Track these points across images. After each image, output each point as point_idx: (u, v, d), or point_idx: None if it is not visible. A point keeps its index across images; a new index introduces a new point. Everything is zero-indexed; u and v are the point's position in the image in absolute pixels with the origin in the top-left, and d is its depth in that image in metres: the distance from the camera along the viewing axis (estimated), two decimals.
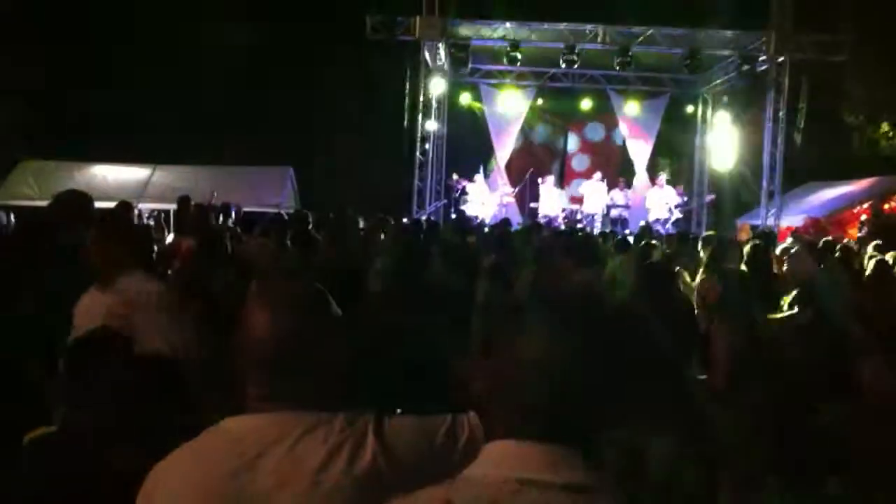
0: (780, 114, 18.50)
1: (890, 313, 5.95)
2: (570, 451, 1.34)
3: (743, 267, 6.91)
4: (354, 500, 1.67)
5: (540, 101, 22.32)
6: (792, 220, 19.08)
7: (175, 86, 21.38)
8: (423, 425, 1.84)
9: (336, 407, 1.78)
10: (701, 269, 7.40)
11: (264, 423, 1.74)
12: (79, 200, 4.82)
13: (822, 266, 8.66)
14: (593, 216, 19.63)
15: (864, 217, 18.80)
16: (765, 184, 18.87)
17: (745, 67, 17.98)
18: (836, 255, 9.38)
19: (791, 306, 5.96)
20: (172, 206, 12.94)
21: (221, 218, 10.47)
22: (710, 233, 11.63)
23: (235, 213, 11.14)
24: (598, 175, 20.12)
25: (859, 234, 18.08)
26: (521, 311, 1.45)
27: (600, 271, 7.15)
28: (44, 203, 12.96)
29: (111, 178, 18.57)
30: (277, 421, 1.73)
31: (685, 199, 20.02)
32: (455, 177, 20.04)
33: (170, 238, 11.05)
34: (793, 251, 8.38)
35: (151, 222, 13.81)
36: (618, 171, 21.80)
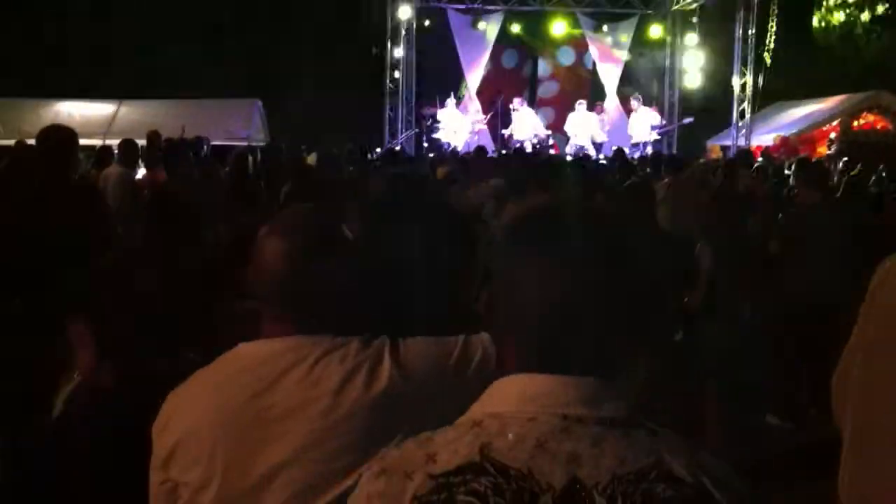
0: (750, 34, 18.46)
1: None
2: (604, 384, 1.22)
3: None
4: (373, 420, 1.69)
5: (511, 27, 22.05)
6: (762, 139, 19.20)
7: (136, 18, 20.94)
8: (437, 347, 1.86)
9: (350, 332, 1.80)
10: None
11: (280, 347, 1.75)
12: (70, 135, 4.87)
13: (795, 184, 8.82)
14: (581, 147, 19.40)
15: (832, 135, 18.97)
16: (735, 104, 18.91)
17: None
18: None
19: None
20: (141, 142, 12.78)
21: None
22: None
23: (207, 147, 11.01)
24: (582, 105, 19.85)
25: (828, 152, 18.27)
26: (519, 237, 1.33)
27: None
28: (10, 142, 12.85)
29: (77, 114, 18.18)
30: (293, 345, 1.75)
31: (664, 121, 20.00)
32: (426, 106, 19.88)
33: (141, 172, 10.93)
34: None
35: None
36: (589, 95, 21.69)
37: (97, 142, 13.21)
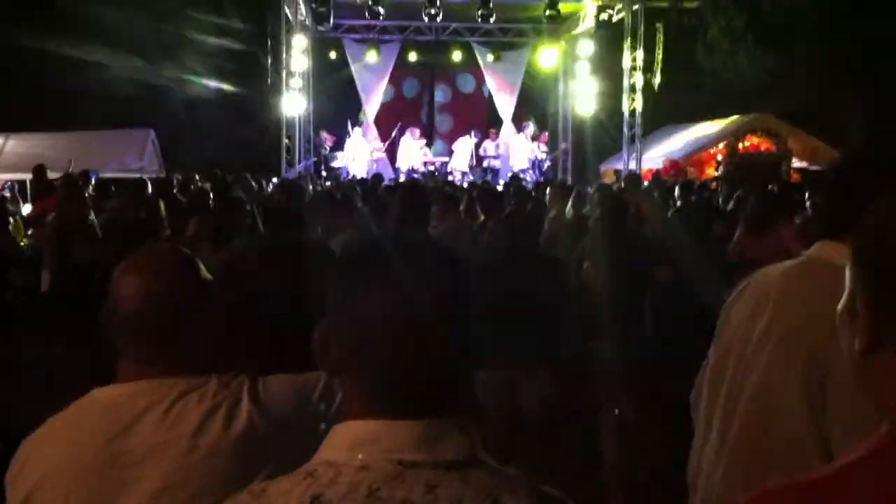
0: (638, 61, 19.02)
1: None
2: (441, 423, 1.18)
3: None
4: (233, 461, 1.67)
5: (409, 55, 22.26)
6: (653, 162, 19.76)
7: (26, 50, 20.33)
8: (298, 384, 1.83)
9: (209, 372, 1.78)
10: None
11: (136, 389, 1.73)
12: None
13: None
14: (463, 172, 19.93)
15: (719, 157, 19.69)
16: (626, 129, 19.42)
17: (603, 16, 18.30)
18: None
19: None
20: (28, 176, 12.45)
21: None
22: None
23: (94, 180, 10.74)
24: (472, 132, 20.42)
25: (716, 173, 18.95)
26: (349, 270, 1.28)
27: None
28: None
29: None
30: (149, 387, 1.73)
31: (546, 148, 20.58)
32: (323, 133, 19.87)
33: (27, 208, 10.64)
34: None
35: (7, 194, 13.20)
36: (488, 121, 22.07)
37: None
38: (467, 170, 20.05)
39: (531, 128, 20.34)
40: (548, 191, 9.84)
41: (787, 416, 1.83)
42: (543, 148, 20.29)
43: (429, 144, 21.53)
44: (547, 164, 19.99)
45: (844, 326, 1.06)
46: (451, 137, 22.41)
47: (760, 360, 1.92)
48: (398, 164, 19.76)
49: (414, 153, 20.03)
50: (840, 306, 1.07)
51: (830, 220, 1.96)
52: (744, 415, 1.95)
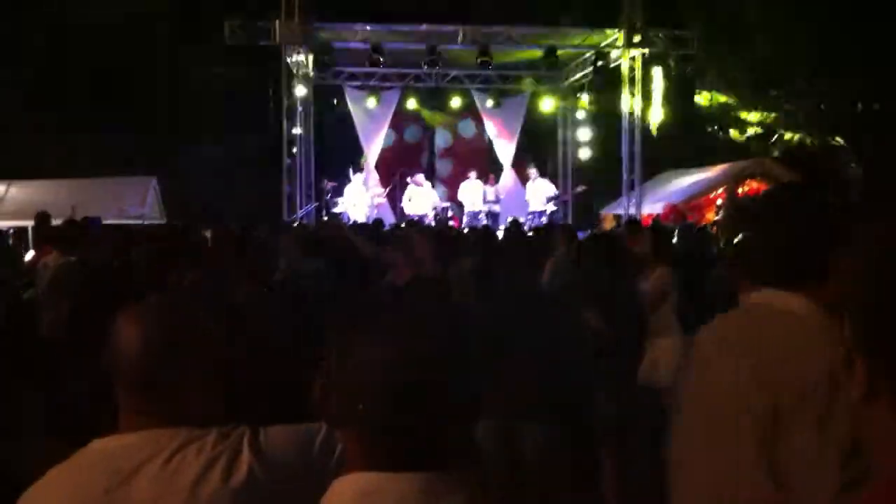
0: (637, 106, 19.18)
1: None
2: (445, 476, 1.19)
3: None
4: None
5: (409, 102, 22.47)
6: (652, 207, 19.82)
7: (32, 94, 20.56)
8: (299, 434, 1.82)
9: (211, 422, 1.78)
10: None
11: (136, 440, 1.73)
12: None
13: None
14: (475, 213, 19.94)
15: (719, 202, 19.74)
16: (625, 175, 19.51)
17: (601, 63, 18.46)
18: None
19: None
20: (29, 223, 12.48)
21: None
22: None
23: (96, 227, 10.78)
24: (473, 174, 20.45)
25: (716, 218, 18.98)
26: (356, 316, 1.29)
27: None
28: None
29: None
30: (149, 438, 1.72)
31: (558, 192, 20.59)
32: (325, 180, 19.98)
33: (30, 255, 10.65)
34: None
35: (10, 241, 13.27)
36: (488, 166, 22.18)
37: None
38: (479, 209, 20.00)
39: (535, 172, 20.43)
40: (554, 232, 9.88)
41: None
42: (551, 192, 20.32)
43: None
44: (553, 208, 20.02)
45: (848, 373, 1.06)
46: (452, 182, 22.51)
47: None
48: (414, 209, 19.72)
49: (427, 196, 20.00)
50: (839, 356, 1.07)
51: (783, 268, 1.93)
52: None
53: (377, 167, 21.62)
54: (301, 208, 19.09)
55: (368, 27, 18.14)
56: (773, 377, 1.67)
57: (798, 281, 1.83)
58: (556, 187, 20.93)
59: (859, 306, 1.01)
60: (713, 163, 21.77)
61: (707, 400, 1.92)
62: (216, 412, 1.83)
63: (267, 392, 2.63)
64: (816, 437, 1.43)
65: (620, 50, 18.71)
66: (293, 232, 9.09)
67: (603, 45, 18.71)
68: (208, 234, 10.10)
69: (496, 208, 20.18)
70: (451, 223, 19.00)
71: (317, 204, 20.09)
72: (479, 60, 17.92)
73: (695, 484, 1.94)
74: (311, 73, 19.81)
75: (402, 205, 20.11)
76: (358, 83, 21.51)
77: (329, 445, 1.78)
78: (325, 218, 19.20)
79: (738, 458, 1.78)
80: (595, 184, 21.17)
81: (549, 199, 19.63)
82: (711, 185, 20.75)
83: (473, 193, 20.22)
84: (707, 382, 1.94)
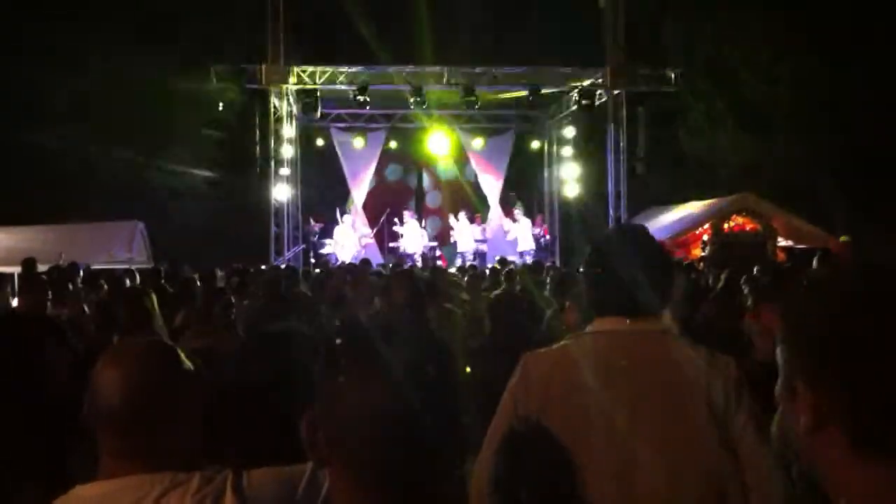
0: (621, 144, 19.32)
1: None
2: None
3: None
4: None
5: (395, 142, 22.58)
6: None
7: (16, 140, 20.52)
8: (282, 477, 1.79)
9: (194, 465, 1.76)
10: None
11: (118, 486, 1.70)
12: None
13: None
14: (464, 254, 19.99)
15: (705, 237, 19.79)
16: (611, 211, 19.59)
17: (585, 102, 18.57)
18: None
19: None
20: (15, 269, 12.38)
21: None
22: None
23: (83, 272, 10.74)
24: (462, 214, 20.52)
25: (702, 254, 19.03)
26: (341, 355, 1.25)
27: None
28: None
29: None
30: (132, 484, 1.70)
31: (541, 230, 20.68)
32: (312, 221, 19.98)
33: (15, 302, 10.57)
34: None
35: None
36: (472, 206, 22.23)
37: None
38: (470, 248, 20.07)
39: (521, 211, 20.54)
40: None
41: None
42: (534, 233, 20.41)
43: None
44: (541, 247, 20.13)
45: (786, 403, 1.06)
46: (443, 213, 22.59)
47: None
48: (405, 248, 19.78)
49: (416, 238, 20.07)
50: (778, 385, 1.08)
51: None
52: None
53: (364, 207, 21.65)
54: (288, 250, 19.07)
55: (354, 69, 18.25)
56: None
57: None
58: (544, 226, 21.05)
59: (807, 340, 1.02)
60: (698, 198, 21.86)
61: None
62: (198, 455, 1.80)
63: (249, 434, 2.60)
64: None
65: (603, 88, 18.86)
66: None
67: (587, 83, 18.87)
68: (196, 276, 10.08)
69: (483, 248, 20.24)
70: (438, 262, 19.02)
71: (303, 246, 20.08)
72: (463, 100, 18.04)
73: None
74: (297, 115, 19.91)
75: (399, 241, 20.18)
76: (344, 125, 21.64)
77: (314, 487, 1.74)
78: (312, 260, 19.23)
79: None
80: (580, 221, 21.25)
81: (535, 237, 19.79)
82: (697, 222, 20.81)
83: (463, 234, 20.29)
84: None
